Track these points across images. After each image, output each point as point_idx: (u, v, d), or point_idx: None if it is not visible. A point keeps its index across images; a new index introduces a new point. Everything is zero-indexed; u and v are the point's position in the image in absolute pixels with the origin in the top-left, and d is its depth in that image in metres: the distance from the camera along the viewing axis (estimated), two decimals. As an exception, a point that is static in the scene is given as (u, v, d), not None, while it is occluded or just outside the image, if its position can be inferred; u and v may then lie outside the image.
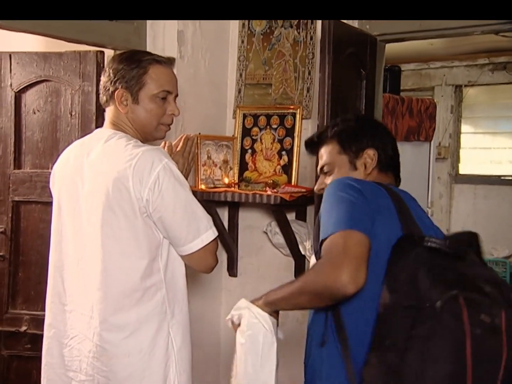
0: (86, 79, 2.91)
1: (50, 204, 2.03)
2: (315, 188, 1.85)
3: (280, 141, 3.05)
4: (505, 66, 6.49)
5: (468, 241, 1.52)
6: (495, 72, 6.57)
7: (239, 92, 3.23)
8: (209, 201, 2.94)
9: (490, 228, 6.33)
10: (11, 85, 3.01)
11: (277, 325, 1.61)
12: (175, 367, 1.84)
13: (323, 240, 1.48)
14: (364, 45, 2.86)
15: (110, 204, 1.79)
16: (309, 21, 3.01)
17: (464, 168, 6.87)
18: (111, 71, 1.90)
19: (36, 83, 3.00)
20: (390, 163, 1.78)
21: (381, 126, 1.90)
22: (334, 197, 1.56)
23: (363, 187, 1.57)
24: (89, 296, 1.85)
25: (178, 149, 2.09)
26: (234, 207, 3.21)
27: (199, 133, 2.90)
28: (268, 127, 3.09)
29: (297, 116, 3.01)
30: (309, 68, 3.03)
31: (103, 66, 2.91)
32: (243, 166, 3.12)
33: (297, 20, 3.05)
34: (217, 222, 3.03)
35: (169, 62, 1.98)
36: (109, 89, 1.90)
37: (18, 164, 3.04)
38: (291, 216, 3.04)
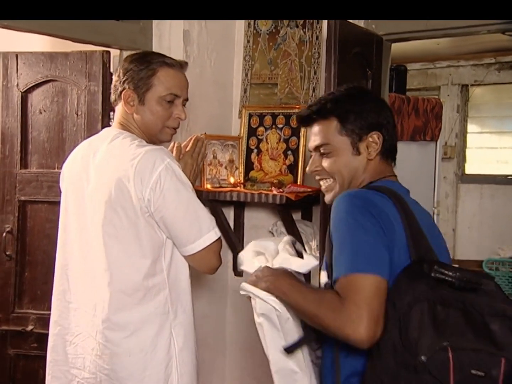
0: (92, 79, 2.91)
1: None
2: (307, 169, 1.69)
3: (286, 141, 3.04)
4: (511, 65, 6.47)
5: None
6: (502, 71, 6.54)
7: (245, 91, 3.23)
8: (214, 201, 2.95)
9: (497, 228, 6.32)
10: (17, 85, 3.02)
11: None
12: (176, 368, 1.84)
13: (338, 277, 1.41)
14: (370, 44, 2.85)
15: (113, 203, 1.79)
16: (315, 20, 3.00)
17: (470, 168, 6.84)
18: (121, 70, 1.92)
19: (43, 83, 3.00)
20: (392, 149, 1.65)
21: (385, 104, 1.73)
22: (346, 225, 1.44)
23: (377, 211, 1.44)
24: (92, 294, 1.86)
25: (187, 149, 2.09)
26: (239, 206, 3.21)
27: (205, 133, 2.90)
28: (273, 126, 3.08)
29: (303, 115, 3.00)
30: (315, 67, 3.02)
31: (109, 66, 2.93)
32: (248, 166, 3.12)
33: (303, 20, 3.05)
34: (222, 222, 3.03)
35: (179, 65, 1.96)
36: (118, 89, 1.92)
37: (24, 164, 3.04)
38: (296, 216, 3.04)
